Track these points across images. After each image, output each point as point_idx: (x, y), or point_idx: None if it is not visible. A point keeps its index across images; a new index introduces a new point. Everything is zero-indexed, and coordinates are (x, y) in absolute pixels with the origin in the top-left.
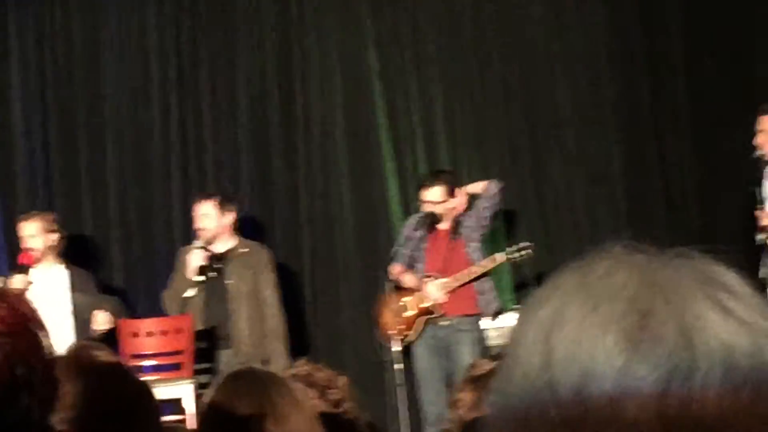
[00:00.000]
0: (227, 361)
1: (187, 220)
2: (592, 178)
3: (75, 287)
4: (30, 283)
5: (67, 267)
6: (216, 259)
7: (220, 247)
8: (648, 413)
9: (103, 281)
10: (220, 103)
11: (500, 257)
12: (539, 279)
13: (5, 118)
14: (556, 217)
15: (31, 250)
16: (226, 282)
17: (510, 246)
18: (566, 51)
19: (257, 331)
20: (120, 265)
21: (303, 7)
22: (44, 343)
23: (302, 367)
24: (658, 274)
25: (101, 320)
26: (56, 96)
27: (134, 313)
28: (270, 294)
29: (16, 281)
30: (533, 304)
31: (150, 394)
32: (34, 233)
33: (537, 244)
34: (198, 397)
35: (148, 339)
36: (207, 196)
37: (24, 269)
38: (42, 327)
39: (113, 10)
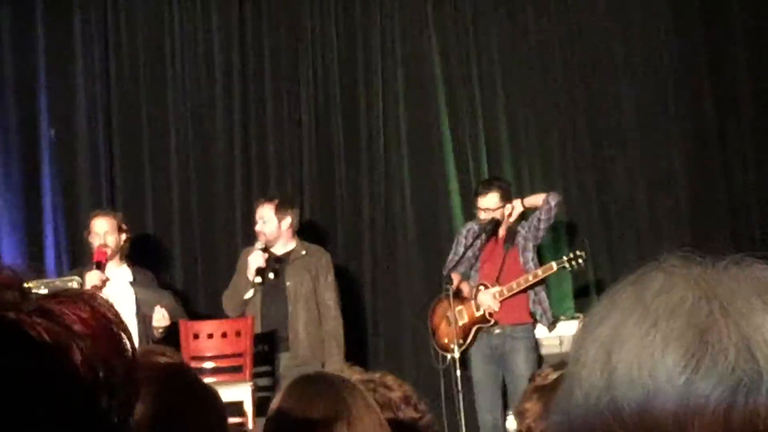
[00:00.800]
0: (285, 364)
1: (249, 222)
2: (654, 185)
3: (138, 286)
4: (106, 280)
5: (130, 266)
6: (276, 261)
7: (279, 249)
8: (714, 430)
9: (164, 281)
10: (284, 105)
11: (554, 266)
12: (600, 287)
13: (70, 118)
14: (618, 224)
15: (106, 246)
16: (285, 284)
17: (565, 255)
18: (630, 58)
19: (314, 334)
20: (181, 265)
21: (368, 14)
22: (126, 345)
23: (364, 374)
24: (714, 286)
25: (159, 317)
26: (120, 97)
27: (195, 315)
28: (328, 297)
29: (91, 278)
30: (592, 322)
31: (217, 399)
32: (109, 230)
33: (599, 252)
34: (257, 399)
35: (208, 341)
36: (267, 198)
37: (100, 266)
38: (124, 329)
39: (177, 13)
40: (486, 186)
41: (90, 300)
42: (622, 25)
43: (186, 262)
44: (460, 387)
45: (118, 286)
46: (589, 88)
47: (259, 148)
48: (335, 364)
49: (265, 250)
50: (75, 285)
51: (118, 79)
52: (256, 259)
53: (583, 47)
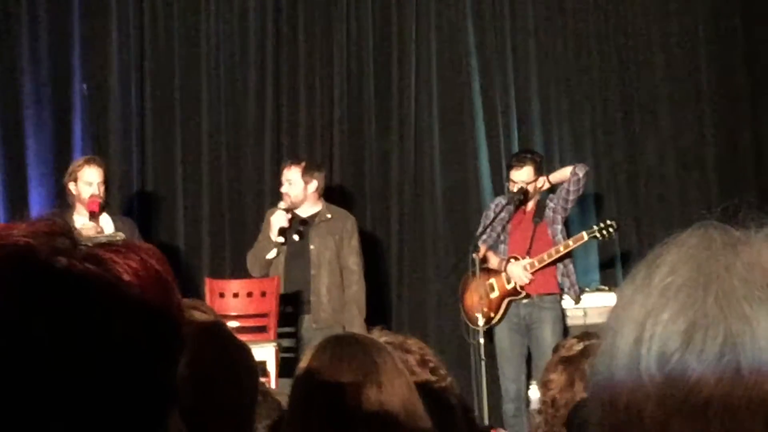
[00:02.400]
0: (307, 326)
1: (277, 184)
2: (684, 161)
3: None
4: (100, 231)
5: (111, 215)
6: (301, 223)
7: (305, 211)
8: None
9: (190, 241)
10: (316, 70)
11: (584, 235)
12: (626, 260)
13: (103, 74)
14: (646, 198)
15: (99, 197)
16: (309, 247)
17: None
18: (665, 32)
19: (337, 297)
20: (209, 225)
21: None
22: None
23: (390, 334)
24: (719, 272)
25: None
26: (154, 55)
27: (221, 274)
28: (352, 261)
29: (87, 228)
30: (617, 297)
31: (250, 357)
32: (101, 180)
33: (626, 225)
34: (280, 359)
35: (234, 300)
36: (294, 161)
37: (93, 216)
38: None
39: None
40: (520, 159)
41: (140, 251)
42: (657, 0)
43: (214, 222)
44: (483, 356)
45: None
46: (622, 61)
47: (291, 111)
48: (356, 328)
49: (289, 211)
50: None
51: (153, 37)
52: (278, 219)
53: (617, 20)
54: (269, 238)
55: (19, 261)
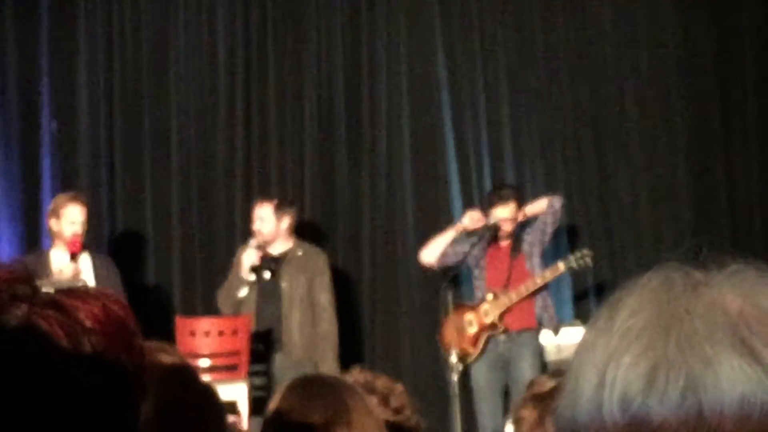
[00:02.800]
0: (280, 364)
1: (248, 221)
2: (657, 193)
3: (98, 276)
4: (79, 272)
5: (90, 254)
6: (272, 260)
7: (276, 249)
8: None
9: (161, 278)
10: (287, 105)
11: (561, 266)
12: (600, 294)
13: (72, 111)
14: (620, 229)
15: (80, 237)
16: (280, 284)
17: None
18: (636, 63)
19: (309, 335)
20: (179, 262)
21: (373, 14)
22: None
23: (359, 374)
24: (682, 315)
25: None
26: (123, 93)
27: (192, 312)
28: (324, 298)
29: (67, 270)
30: (580, 341)
31: (216, 397)
32: (84, 219)
33: (600, 259)
34: (252, 398)
35: (205, 338)
36: (266, 198)
37: (74, 257)
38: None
39: (182, 9)
40: (503, 196)
41: (102, 297)
42: (628, 33)
43: (184, 260)
44: (457, 392)
45: (85, 276)
46: (594, 94)
47: (261, 147)
48: (328, 365)
49: (261, 248)
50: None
51: (122, 74)
52: (250, 257)
53: (588, 53)
54: (240, 275)
55: None
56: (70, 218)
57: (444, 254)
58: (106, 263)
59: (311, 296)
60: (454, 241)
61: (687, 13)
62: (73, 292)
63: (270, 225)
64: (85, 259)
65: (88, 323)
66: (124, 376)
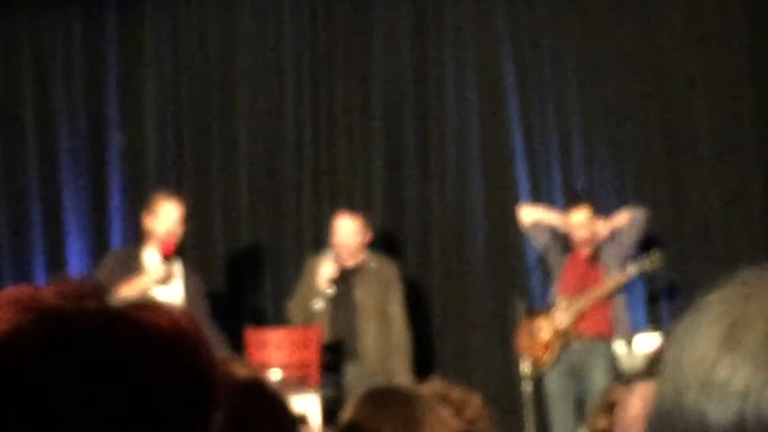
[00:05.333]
0: (352, 375)
1: (317, 231)
2: (729, 200)
3: (187, 286)
4: (171, 275)
5: (183, 260)
6: (346, 272)
7: (349, 261)
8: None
9: (230, 289)
10: (354, 115)
11: (631, 269)
12: (672, 301)
13: (139, 127)
14: (691, 239)
15: (175, 238)
16: (354, 296)
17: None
18: (706, 69)
19: (383, 346)
20: (249, 273)
21: (441, 21)
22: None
23: (436, 384)
24: (758, 285)
25: None
26: (189, 105)
27: (262, 322)
28: (397, 310)
29: (157, 271)
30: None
31: (288, 409)
32: (181, 220)
33: (672, 266)
34: (324, 410)
35: (276, 350)
36: (350, 212)
37: (168, 259)
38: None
39: (249, 18)
40: (578, 201)
41: (169, 309)
42: (698, 37)
43: (253, 270)
44: (531, 400)
45: (175, 282)
46: (664, 100)
47: (329, 157)
48: (402, 376)
49: (337, 261)
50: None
51: (188, 86)
52: (327, 269)
53: (658, 59)
54: (314, 288)
55: (49, 325)
56: (165, 216)
57: (536, 224)
58: (196, 274)
59: (384, 308)
60: (548, 226)
61: (757, 17)
62: (142, 306)
63: (355, 240)
64: (178, 265)
65: (157, 337)
66: (196, 388)
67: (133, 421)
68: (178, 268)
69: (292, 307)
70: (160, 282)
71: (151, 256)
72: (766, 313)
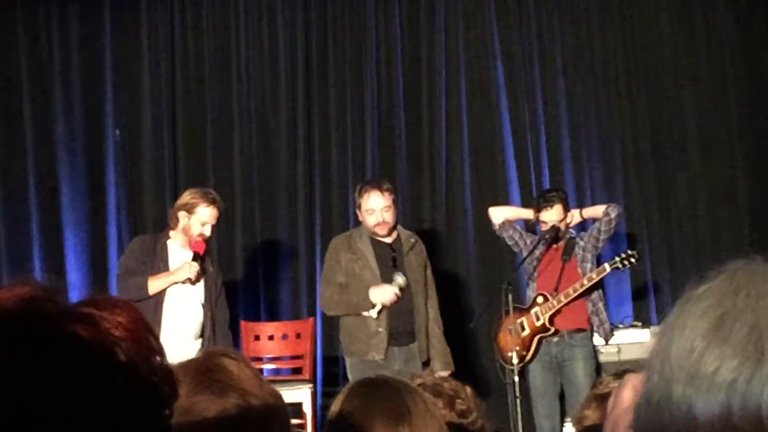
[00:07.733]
0: (407, 357)
1: (311, 228)
2: (716, 195)
3: (207, 280)
4: (201, 274)
5: (211, 260)
6: (393, 253)
7: (387, 237)
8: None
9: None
10: (347, 111)
11: (606, 267)
12: (659, 296)
13: (136, 124)
14: (678, 234)
15: (207, 239)
16: (408, 276)
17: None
18: (694, 70)
19: (431, 327)
20: (243, 267)
21: (432, 21)
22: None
23: (427, 376)
24: (745, 279)
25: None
26: (185, 102)
27: (256, 316)
28: (432, 289)
29: (191, 269)
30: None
31: (281, 403)
32: (216, 224)
33: (659, 261)
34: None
35: (269, 342)
36: (382, 185)
37: (197, 258)
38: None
39: (243, 16)
40: (548, 199)
41: (125, 306)
42: (686, 35)
43: (247, 264)
44: (518, 394)
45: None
46: (652, 98)
47: (322, 154)
48: (441, 362)
49: (402, 290)
50: None
51: (184, 84)
52: (387, 297)
53: (646, 56)
54: (362, 298)
55: (16, 326)
56: (203, 218)
57: (506, 223)
58: (220, 276)
59: (426, 287)
60: (518, 221)
61: (743, 17)
62: (98, 302)
63: (393, 214)
64: (206, 263)
65: (117, 332)
66: (155, 378)
67: (103, 417)
68: (206, 266)
69: (336, 307)
70: (190, 280)
71: (176, 250)
72: (753, 306)
